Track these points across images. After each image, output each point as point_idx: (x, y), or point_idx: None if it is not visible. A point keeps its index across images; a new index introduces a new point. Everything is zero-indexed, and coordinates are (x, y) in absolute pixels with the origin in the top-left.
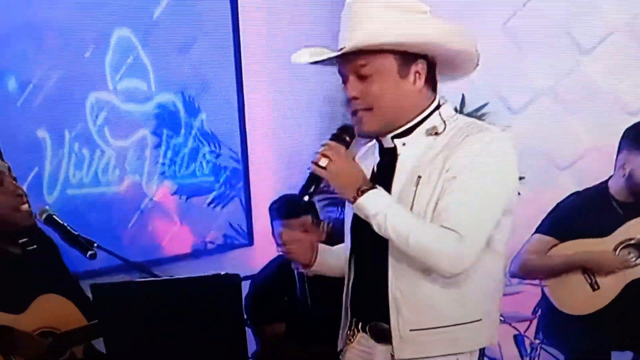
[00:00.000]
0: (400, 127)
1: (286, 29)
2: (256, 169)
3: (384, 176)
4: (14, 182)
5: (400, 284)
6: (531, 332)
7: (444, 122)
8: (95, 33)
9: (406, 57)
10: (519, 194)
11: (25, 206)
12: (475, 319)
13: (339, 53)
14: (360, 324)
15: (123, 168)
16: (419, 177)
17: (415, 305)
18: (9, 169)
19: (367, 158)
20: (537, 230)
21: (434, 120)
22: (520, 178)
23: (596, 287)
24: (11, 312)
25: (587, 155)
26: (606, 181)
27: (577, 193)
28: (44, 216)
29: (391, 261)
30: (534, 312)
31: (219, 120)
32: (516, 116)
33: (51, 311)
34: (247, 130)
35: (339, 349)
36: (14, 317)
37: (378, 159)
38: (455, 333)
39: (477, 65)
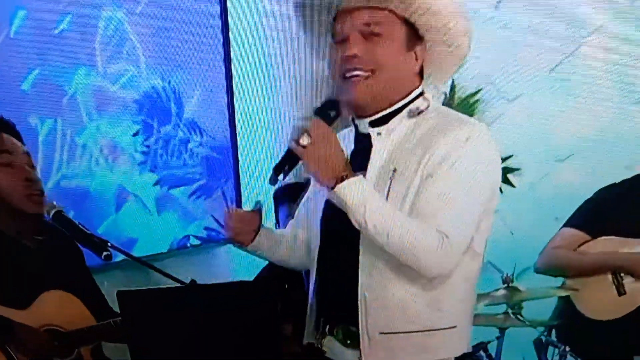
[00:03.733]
0: (383, 109)
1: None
2: (243, 161)
3: (358, 166)
4: (28, 167)
5: (370, 282)
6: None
7: (428, 102)
8: (83, 14)
9: (412, 32)
10: (514, 186)
11: (36, 193)
12: (451, 325)
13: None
14: (327, 326)
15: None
16: (394, 169)
17: (385, 306)
18: (27, 153)
19: (342, 143)
20: (568, 224)
21: (418, 102)
22: (515, 170)
23: (623, 292)
24: (15, 307)
25: (585, 146)
26: None
27: (612, 185)
28: (52, 212)
29: (362, 258)
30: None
31: (206, 110)
32: (510, 104)
33: (56, 308)
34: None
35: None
36: (16, 311)
37: (352, 146)
38: (429, 339)
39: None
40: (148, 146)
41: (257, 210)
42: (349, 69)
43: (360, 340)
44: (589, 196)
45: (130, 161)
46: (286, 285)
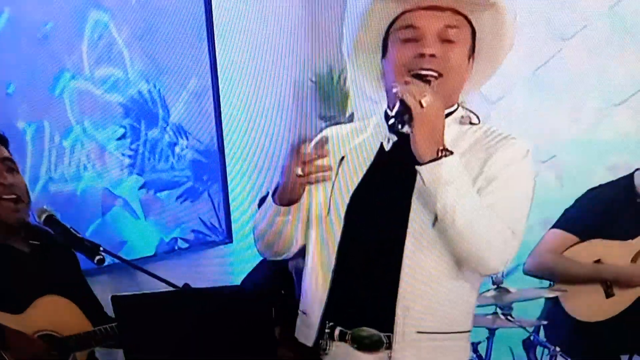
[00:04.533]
0: None
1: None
2: (231, 163)
3: (398, 168)
4: (6, 172)
5: (413, 286)
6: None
7: (477, 115)
8: (71, 17)
9: (473, 41)
10: None
11: (9, 197)
12: (469, 328)
13: None
14: (337, 330)
15: (95, 162)
16: None
17: (424, 304)
18: (7, 159)
19: (367, 130)
20: (556, 226)
21: (464, 111)
22: None
23: (611, 294)
24: (10, 312)
25: (568, 147)
26: (631, 175)
27: (599, 187)
28: (43, 217)
29: (407, 261)
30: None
31: (192, 114)
32: (492, 106)
33: (52, 313)
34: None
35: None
36: (11, 316)
37: (388, 135)
38: (455, 341)
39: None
40: (135, 150)
41: None
42: (424, 67)
43: (395, 339)
44: (572, 197)
45: (117, 165)
46: (282, 290)
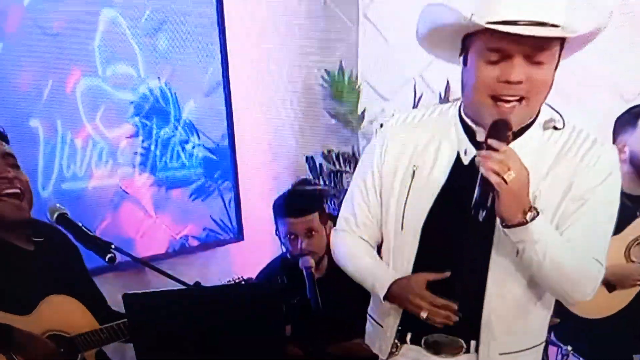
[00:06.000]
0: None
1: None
2: (242, 161)
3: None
4: (8, 167)
5: (496, 306)
6: None
7: (561, 115)
8: (83, 15)
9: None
10: None
11: (12, 192)
12: (544, 339)
13: (555, 34)
14: (409, 335)
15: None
16: (535, 191)
17: (510, 327)
18: (8, 154)
19: (439, 131)
20: None
21: (547, 113)
22: None
23: (612, 289)
24: (17, 313)
25: None
26: None
27: None
28: (55, 215)
29: (491, 286)
30: None
31: (204, 112)
32: None
33: (60, 313)
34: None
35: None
36: (20, 318)
37: (466, 147)
38: (532, 353)
39: None
40: (146, 148)
41: None
42: (507, 95)
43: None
44: None
45: (128, 162)
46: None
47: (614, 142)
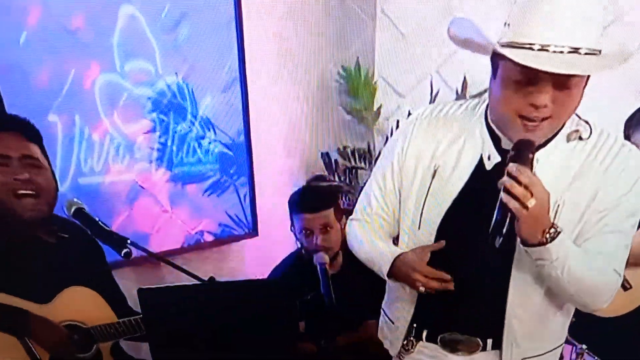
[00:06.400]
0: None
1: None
2: (258, 157)
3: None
4: (24, 169)
5: (518, 312)
6: None
7: (589, 125)
8: (102, 10)
9: None
10: None
11: (27, 194)
12: (564, 340)
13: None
14: (424, 332)
15: (124, 155)
16: (558, 204)
17: (532, 333)
18: (27, 156)
19: (464, 130)
20: None
21: (573, 123)
22: None
23: (628, 287)
24: (36, 302)
25: None
26: None
27: None
28: (72, 209)
29: (513, 292)
30: None
31: (220, 108)
32: None
33: (78, 304)
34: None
35: (394, 355)
36: (38, 306)
37: (490, 152)
38: (552, 357)
39: None
40: (163, 143)
41: None
42: (534, 117)
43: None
44: None
45: (145, 158)
46: (302, 284)
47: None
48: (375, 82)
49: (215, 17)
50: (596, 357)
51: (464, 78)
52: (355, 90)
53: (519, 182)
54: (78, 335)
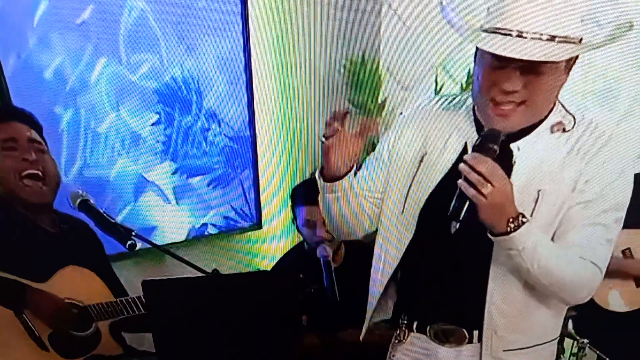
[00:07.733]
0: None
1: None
2: (263, 150)
3: None
4: (32, 151)
5: (498, 302)
6: None
7: (572, 116)
8: (109, 3)
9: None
10: None
11: (33, 172)
12: (557, 335)
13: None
14: (415, 323)
15: (129, 147)
16: (539, 191)
17: (513, 325)
18: (34, 140)
19: (453, 124)
20: None
21: (558, 113)
22: None
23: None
24: (33, 280)
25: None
26: None
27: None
28: (77, 201)
29: (492, 283)
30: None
31: (225, 100)
32: None
33: (75, 283)
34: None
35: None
36: (35, 284)
37: (473, 139)
38: (543, 351)
39: None
40: (168, 136)
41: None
42: (502, 101)
43: (482, 356)
44: None
45: (150, 150)
46: (305, 277)
47: None
48: (381, 75)
49: (222, 10)
50: (598, 352)
51: (469, 72)
52: (361, 83)
53: (476, 170)
54: (76, 309)
